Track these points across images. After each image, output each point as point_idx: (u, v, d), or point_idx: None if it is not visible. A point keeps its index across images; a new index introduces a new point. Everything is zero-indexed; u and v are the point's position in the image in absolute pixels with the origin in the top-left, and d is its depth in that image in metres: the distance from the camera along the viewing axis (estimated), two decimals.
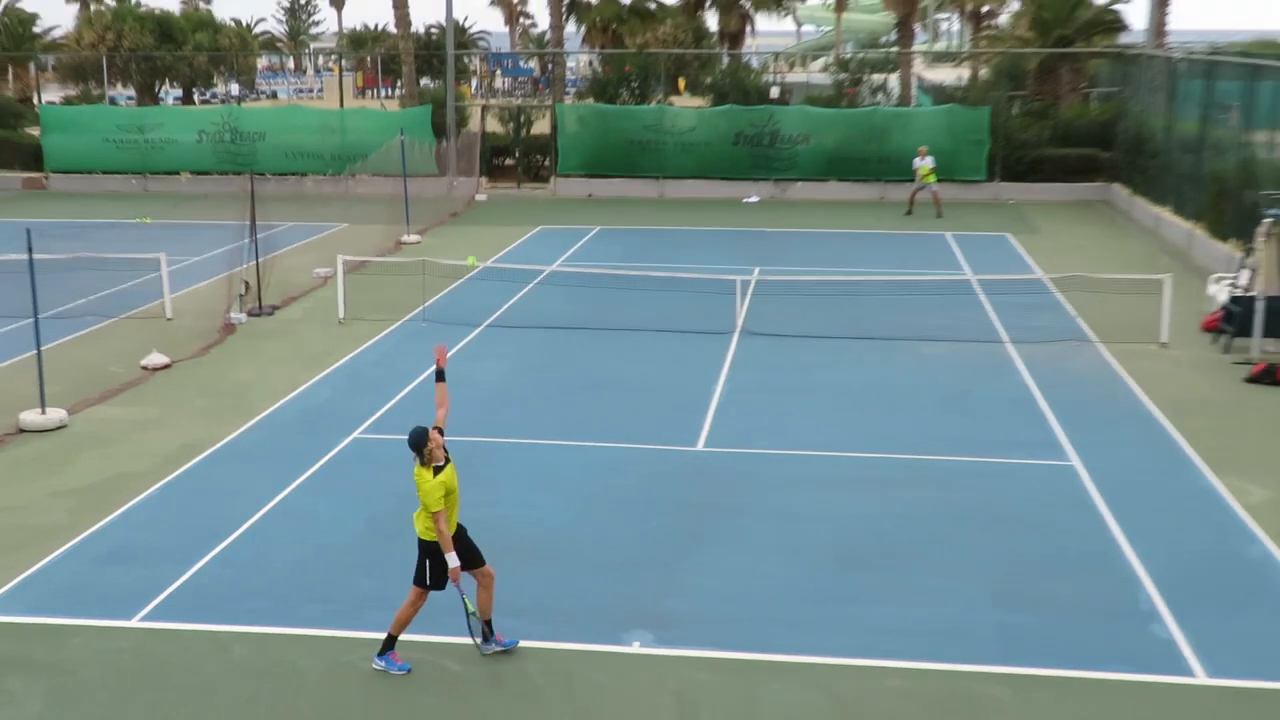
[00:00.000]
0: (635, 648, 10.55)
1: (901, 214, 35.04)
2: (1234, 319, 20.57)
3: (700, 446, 15.80)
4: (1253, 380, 18.88)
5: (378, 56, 70.04)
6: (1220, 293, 22.10)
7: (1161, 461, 15.42)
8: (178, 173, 41.58)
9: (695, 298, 23.37)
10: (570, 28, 50.85)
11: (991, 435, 16.29)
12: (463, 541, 10.18)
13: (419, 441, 9.93)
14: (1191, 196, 30.34)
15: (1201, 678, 10.07)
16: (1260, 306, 20.02)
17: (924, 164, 35.32)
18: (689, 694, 9.81)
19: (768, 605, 11.38)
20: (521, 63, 74.86)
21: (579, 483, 14.54)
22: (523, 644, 10.52)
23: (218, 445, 15.94)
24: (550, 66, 53.73)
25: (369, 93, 73.26)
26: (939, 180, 35.55)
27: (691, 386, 18.45)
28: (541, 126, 42.30)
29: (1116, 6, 47.58)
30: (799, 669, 10.19)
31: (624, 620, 11.01)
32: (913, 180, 35.69)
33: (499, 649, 10.38)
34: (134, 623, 10.98)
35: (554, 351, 20.49)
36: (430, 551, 10.04)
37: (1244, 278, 21.01)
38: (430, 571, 10.08)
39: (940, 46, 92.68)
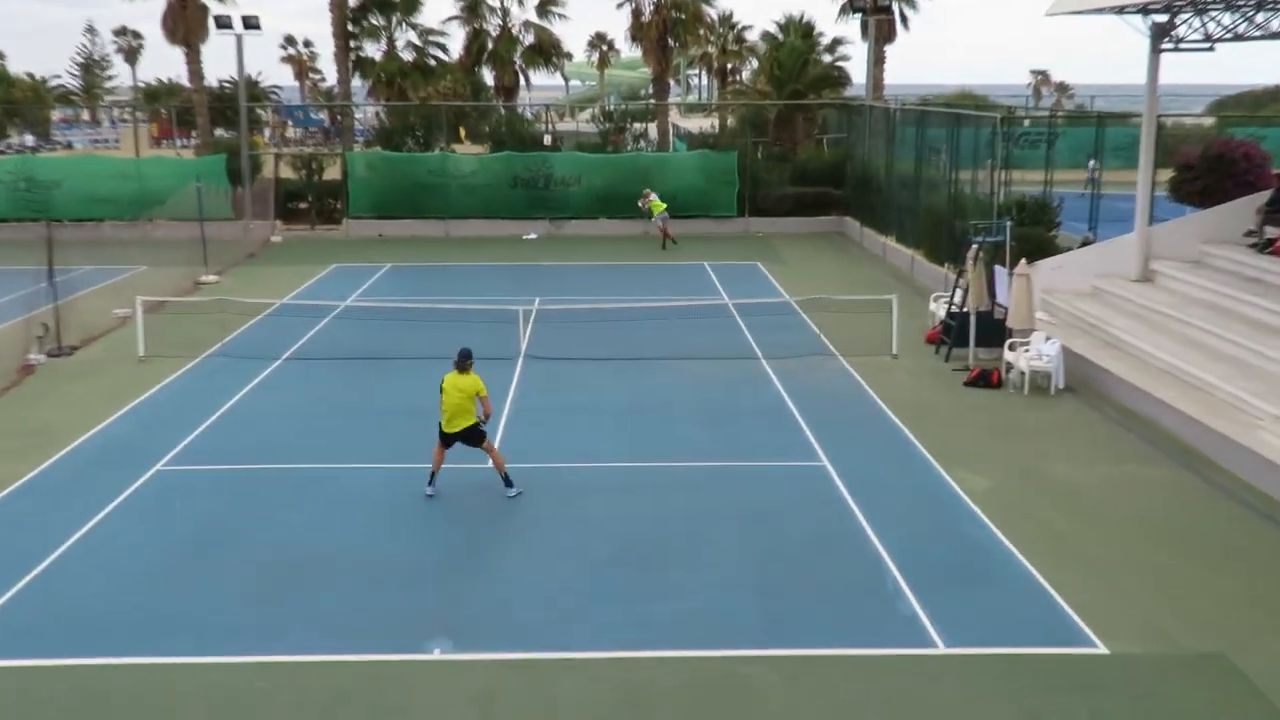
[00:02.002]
0: (436, 655, 10.25)
1: (659, 248, 35.32)
2: (951, 331, 21.25)
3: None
4: (970, 384, 19.45)
5: (172, 109, 67.33)
6: (939, 309, 22.78)
7: (898, 458, 15.79)
8: None
9: (482, 327, 22.96)
10: (356, 82, 50.06)
11: (751, 441, 16.49)
12: (468, 433, 14.18)
13: (469, 354, 14.26)
14: (911, 227, 31.08)
15: (942, 648, 10.29)
16: (972, 320, 20.55)
17: (652, 200, 36.17)
18: (489, 695, 9.59)
19: (559, 606, 11.20)
20: (312, 114, 73.04)
21: (379, 503, 14.09)
22: (325, 658, 10.12)
23: (19, 483, 14.89)
24: (339, 117, 52.66)
25: (164, 142, 70.21)
26: (673, 216, 36.22)
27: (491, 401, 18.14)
28: (333, 172, 40.73)
29: (840, 64, 49.82)
30: (590, 664, 10.05)
31: (425, 630, 10.68)
32: (650, 218, 36.26)
33: (517, 493, 14.07)
34: None
35: (351, 382, 19.98)
36: (476, 427, 14.08)
37: (958, 296, 21.54)
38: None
39: (692, 99, 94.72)
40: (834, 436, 16.67)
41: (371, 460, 15.74)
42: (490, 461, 14.58)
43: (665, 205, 36.24)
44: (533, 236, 38.29)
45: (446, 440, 14.35)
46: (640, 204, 36.56)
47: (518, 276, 30.69)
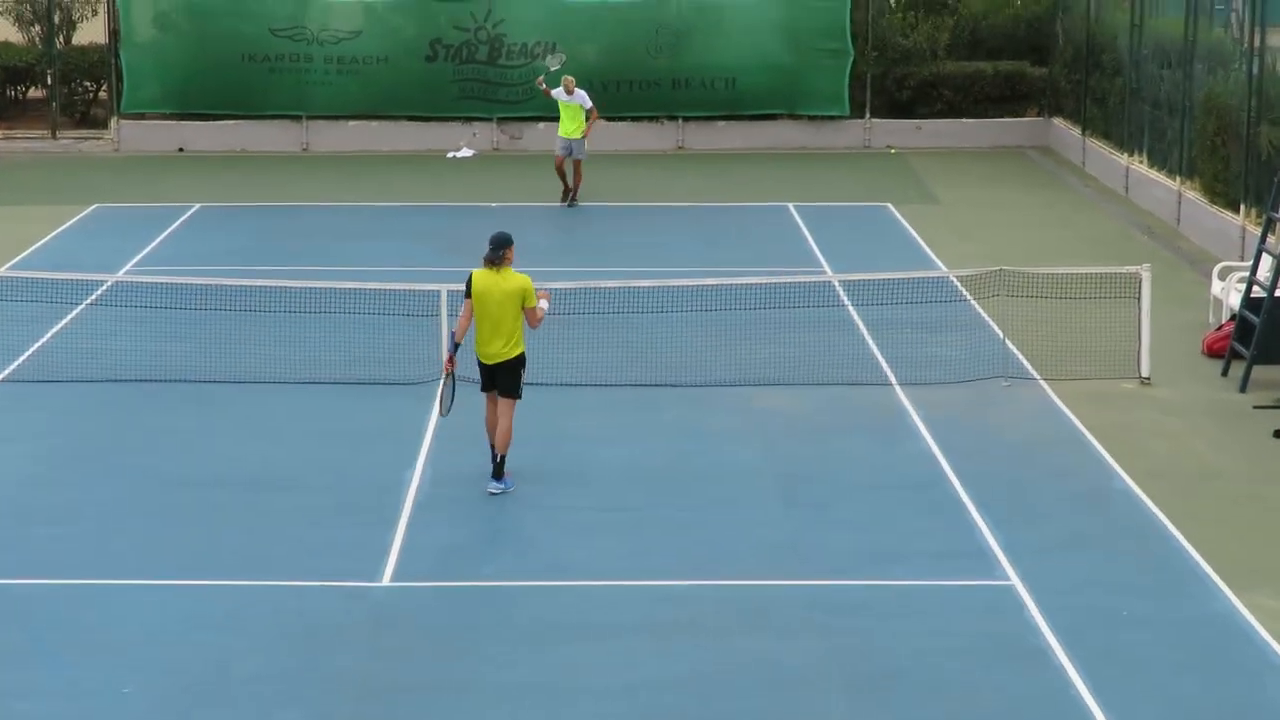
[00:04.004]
0: None
1: (560, 200, 33.52)
2: (1252, 335, 20.93)
3: (387, 580, 15.54)
4: None
5: None
6: (1231, 294, 22.62)
7: (1152, 574, 15.57)
8: None
9: (371, 323, 22.96)
10: None
11: (870, 540, 16.41)
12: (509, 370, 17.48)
13: (506, 240, 17.32)
14: (1177, 139, 31.12)
15: None
16: None
17: (569, 101, 33.18)
18: None
19: None
20: None
21: (174, 655, 13.96)
22: None
23: None
24: None
25: None
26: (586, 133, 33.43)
27: (369, 474, 18.26)
28: (92, 32, 41.04)
29: None
30: None
31: None
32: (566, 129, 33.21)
33: (504, 490, 17.25)
34: None
35: (126, 423, 20.14)
36: (523, 362, 17.47)
37: (1265, 269, 21.34)
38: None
39: None
40: (1030, 531, 16.51)
41: (157, 574, 15.62)
42: (497, 428, 17.45)
43: (581, 123, 33.09)
44: (467, 153, 38.99)
45: (485, 377, 17.62)
46: (543, 86, 34.22)
47: (439, 227, 30.88)
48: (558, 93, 33.29)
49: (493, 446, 17.40)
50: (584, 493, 17.93)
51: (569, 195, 33.36)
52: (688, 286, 24.15)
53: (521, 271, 17.53)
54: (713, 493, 17.77)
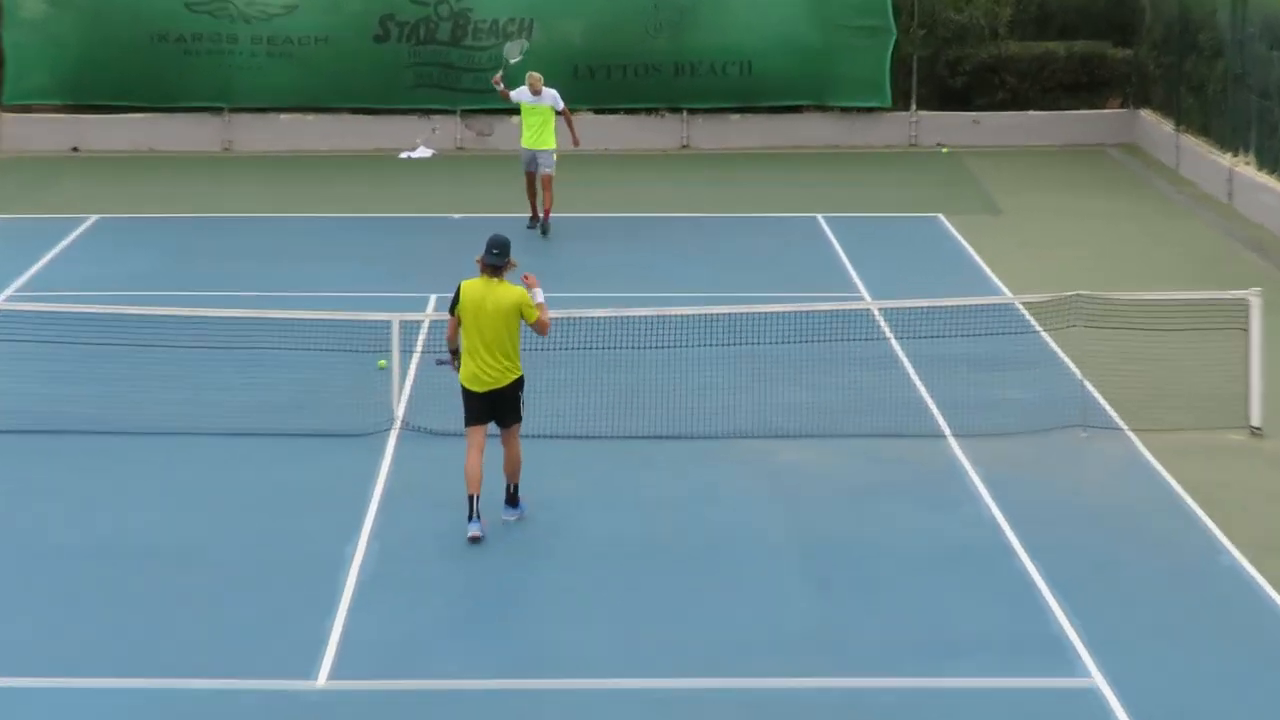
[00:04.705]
0: None
1: (530, 227, 32.79)
2: None
3: (323, 680, 15.39)
4: None
5: None
6: None
7: (1270, 675, 15.41)
8: None
9: (307, 361, 23.01)
10: None
11: (918, 629, 16.32)
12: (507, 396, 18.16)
13: (504, 245, 17.81)
14: None
15: None
16: None
17: (534, 104, 32.68)
18: None
19: None
20: None
21: None
22: None
23: None
24: None
25: None
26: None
27: (301, 547, 18.24)
28: None
29: None
30: None
31: None
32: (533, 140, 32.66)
33: (518, 517, 18.59)
34: None
35: (4, 482, 20.13)
36: (521, 385, 18.13)
37: None
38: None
39: None
40: (1116, 618, 16.37)
41: (44, 670, 15.48)
42: (504, 457, 18.33)
43: (552, 131, 32.56)
44: (424, 153, 39.58)
45: (476, 409, 18.08)
46: (498, 86, 33.43)
47: (391, 245, 31.47)
48: (520, 93, 32.59)
49: (472, 497, 17.86)
50: (564, 570, 17.83)
51: (539, 221, 32.72)
52: (693, 316, 23.92)
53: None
54: (723, 570, 17.65)
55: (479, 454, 17.88)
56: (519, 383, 18.01)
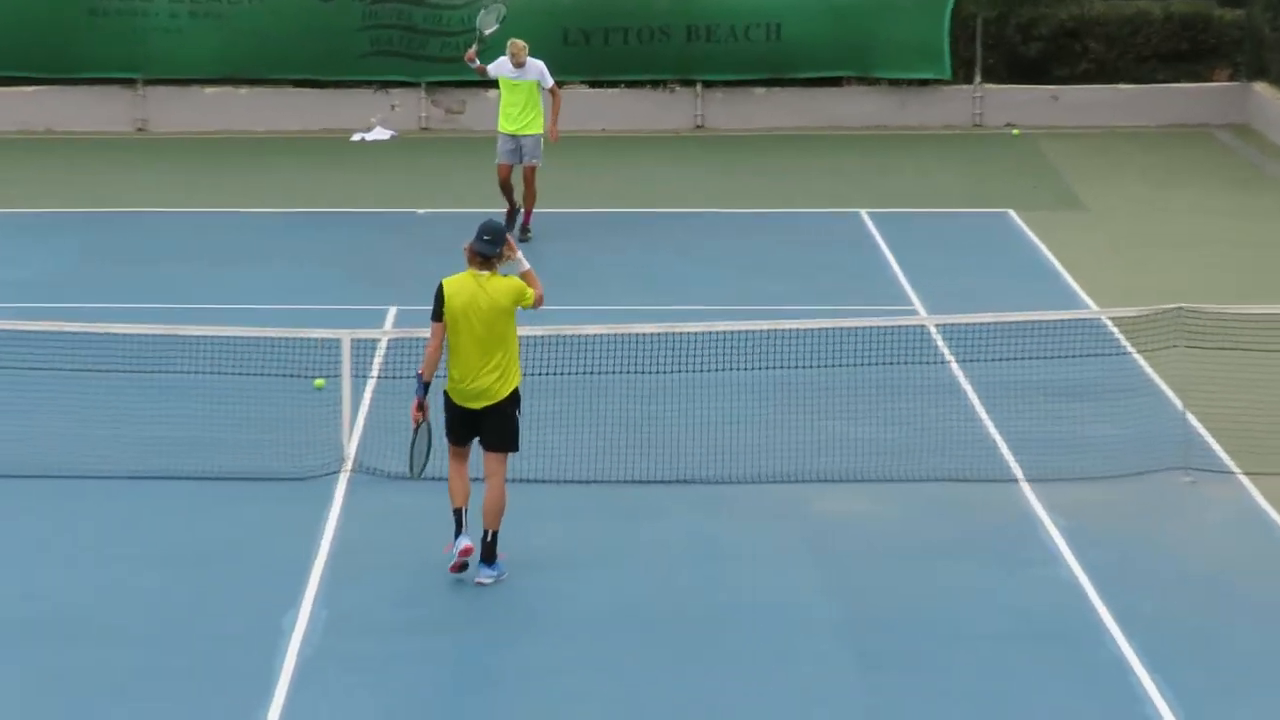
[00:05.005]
0: None
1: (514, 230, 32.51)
2: None
3: None
4: None
5: None
6: None
7: None
8: None
9: (239, 387, 22.58)
10: None
11: (986, 717, 15.97)
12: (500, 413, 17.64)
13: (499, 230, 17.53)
14: None
15: None
16: None
17: (516, 79, 32.33)
18: None
19: None
20: None
21: None
22: None
23: None
24: None
25: None
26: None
27: (232, 618, 17.64)
28: None
29: None
30: None
31: None
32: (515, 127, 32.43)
33: (496, 579, 17.72)
34: None
35: None
36: (518, 401, 17.59)
37: None
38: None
39: None
40: (1228, 706, 15.91)
41: None
42: (485, 494, 17.72)
43: (538, 111, 32.54)
44: (382, 135, 40.01)
45: (461, 427, 17.64)
46: (472, 63, 33.32)
47: (341, 245, 31.94)
48: (499, 66, 31.96)
49: (458, 510, 17.50)
50: (551, 647, 17.11)
51: (518, 220, 32.13)
52: (710, 333, 23.60)
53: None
54: (749, 645, 17.04)
55: (463, 464, 17.59)
56: (515, 397, 17.54)
